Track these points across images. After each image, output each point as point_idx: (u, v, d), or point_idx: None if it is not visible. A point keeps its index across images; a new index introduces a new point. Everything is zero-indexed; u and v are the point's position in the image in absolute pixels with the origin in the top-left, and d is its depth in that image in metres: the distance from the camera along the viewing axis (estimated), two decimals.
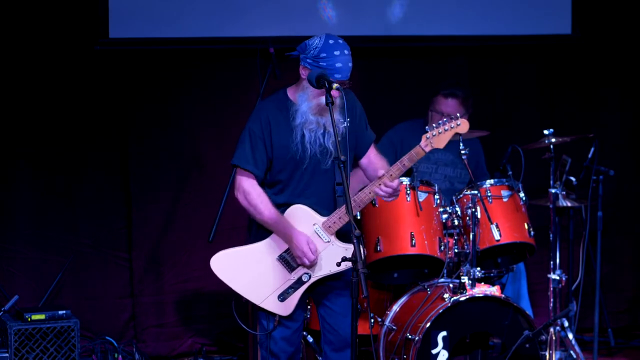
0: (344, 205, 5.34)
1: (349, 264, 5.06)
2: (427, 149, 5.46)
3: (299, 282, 5.45)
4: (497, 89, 7.92)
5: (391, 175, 5.39)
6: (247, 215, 5.61)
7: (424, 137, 5.46)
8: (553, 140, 6.86)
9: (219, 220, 6.64)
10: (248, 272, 5.46)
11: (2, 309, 6.61)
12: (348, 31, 7.48)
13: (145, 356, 7.24)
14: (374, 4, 7.54)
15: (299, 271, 5.45)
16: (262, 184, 5.51)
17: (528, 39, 7.82)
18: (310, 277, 5.44)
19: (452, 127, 5.49)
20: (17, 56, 7.14)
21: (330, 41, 5.33)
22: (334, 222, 5.42)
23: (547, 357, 6.52)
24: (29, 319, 6.48)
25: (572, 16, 7.84)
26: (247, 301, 5.49)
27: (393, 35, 7.59)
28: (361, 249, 4.87)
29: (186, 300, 7.50)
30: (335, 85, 5.14)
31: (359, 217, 6.48)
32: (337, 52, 5.31)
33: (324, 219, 5.43)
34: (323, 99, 5.22)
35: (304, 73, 5.36)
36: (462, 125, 5.52)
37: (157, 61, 7.38)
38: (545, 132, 6.90)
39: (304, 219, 5.44)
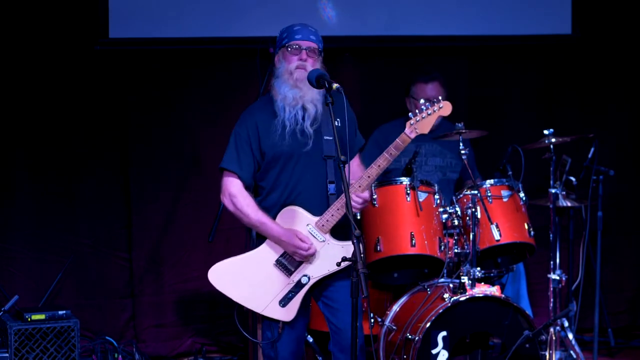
0: (336, 202, 5.33)
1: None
2: (412, 135, 5.44)
3: (298, 286, 5.40)
4: (497, 89, 7.93)
5: (369, 177, 5.37)
6: None
7: (407, 124, 5.45)
8: (553, 140, 6.86)
9: (219, 220, 6.64)
10: (247, 281, 5.42)
11: (2, 309, 6.61)
12: (348, 31, 7.51)
13: (145, 356, 7.24)
14: (374, 4, 7.54)
15: (298, 274, 5.40)
16: (250, 188, 5.48)
17: (528, 39, 7.82)
18: (309, 279, 5.41)
19: (434, 111, 5.47)
20: (17, 56, 7.14)
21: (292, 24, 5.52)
22: (327, 220, 5.38)
23: (547, 357, 6.52)
24: (29, 319, 6.48)
25: (572, 16, 7.84)
26: (249, 310, 5.45)
27: (393, 35, 7.59)
28: (361, 248, 4.82)
29: (186, 300, 7.50)
30: (335, 85, 5.11)
31: (359, 217, 6.48)
32: (295, 27, 5.48)
33: (316, 218, 5.39)
34: (293, 68, 5.35)
35: (277, 61, 5.49)
36: (445, 108, 5.49)
37: (157, 61, 7.38)
38: (545, 132, 6.90)
39: (296, 220, 5.40)
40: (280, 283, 5.40)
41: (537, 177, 7.30)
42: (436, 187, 6.59)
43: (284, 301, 5.39)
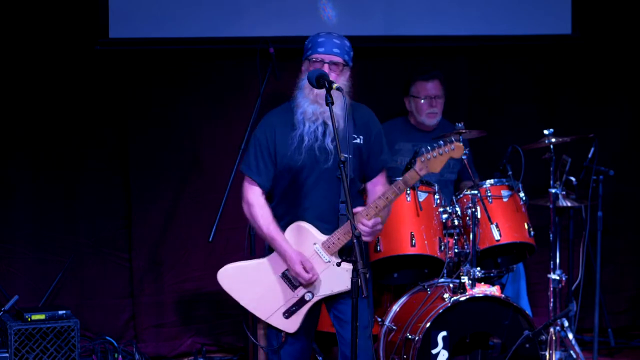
0: (345, 225, 5.23)
1: (343, 288, 5.12)
2: (422, 173, 5.34)
3: (301, 301, 5.36)
4: (497, 89, 7.92)
5: (376, 207, 5.28)
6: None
7: (418, 160, 5.33)
8: (553, 140, 6.86)
9: (219, 220, 6.64)
10: (255, 287, 5.38)
11: (2, 309, 6.61)
12: (348, 31, 7.44)
13: (145, 356, 7.24)
14: (374, 4, 7.54)
15: (301, 290, 5.35)
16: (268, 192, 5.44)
17: (528, 39, 7.82)
18: (312, 296, 5.34)
19: (446, 152, 5.31)
20: (18, 56, 7.14)
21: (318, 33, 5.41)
22: (333, 243, 5.30)
23: (547, 357, 6.52)
24: (29, 319, 6.48)
25: (572, 16, 7.84)
26: (253, 315, 5.43)
27: (393, 35, 7.59)
28: (362, 248, 4.77)
29: (186, 300, 7.49)
30: (335, 85, 5.06)
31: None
32: (321, 34, 5.37)
33: (324, 238, 5.31)
34: (316, 89, 5.21)
35: (302, 71, 5.39)
36: (457, 150, 5.34)
37: (157, 61, 7.38)
38: (545, 132, 6.90)
39: (304, 237, 5.33)
40: (284, 295, 5.36)
41: (537, 177, 7.30)
42: (436, 187, 6.59)
43: (288, 313, 5.36)
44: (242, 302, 5.40)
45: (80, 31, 7.18)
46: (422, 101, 7.05)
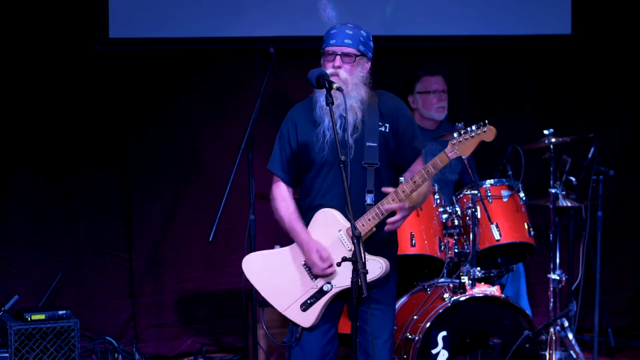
0: (370, 211, 5.11)
1: (374, 275, 5.02)
2: (452, 156, 5.09)
3: (320, 293, 5.20)
4: (497, 89, 7.93)
5: (403, 191, 5.08)
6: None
7: (450, 143, 5.09)
8: (553, 140, 6.86)
9: (219, 220, 6.64)
10: (276, 277, 5.27)
11: (2, 309, 6.61)
12: None
13: (145, 356, 7.24)
14: (374, 4, 7.54)
15: (321, 280, 5.21)
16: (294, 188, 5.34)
17: (528, 39, 7.82)
18: (332, 287, 5.18)
19: (478, 134, 5.09)
20: (18, 56, 7.14)
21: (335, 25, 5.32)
22: (360, 229, 5.08)
23: (547, 357, 6.52)
24: (29, 319, 6.48)
25: (572, 16, 7.84)
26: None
27: (393, 35, 7.59)
28: (361, 248, 4.71)
29: (186, 300, 7.49)
30: (335, 86, 4.99)
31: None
32: (333, 30, 5.25)
33: (349, 225, 5.04)
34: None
35: (322, 64, 5.28)
36: (489, 132, 5.11)
37: (157, 61, 7.38)
38: (545, 132, 6.90)
39: (328, 224, 5.20)
40: (304, 285, 5.22)
41: (537, 177, 7.30)
42: (436, 187, 6.59)
43: (305, 306, 5.22)
44: (263, 293, 5.29)
45: (80, 31, 7.18)
46: (431, 96, 7.04)
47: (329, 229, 5.21)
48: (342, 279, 5.17)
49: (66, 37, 7.18)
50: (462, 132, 5.11)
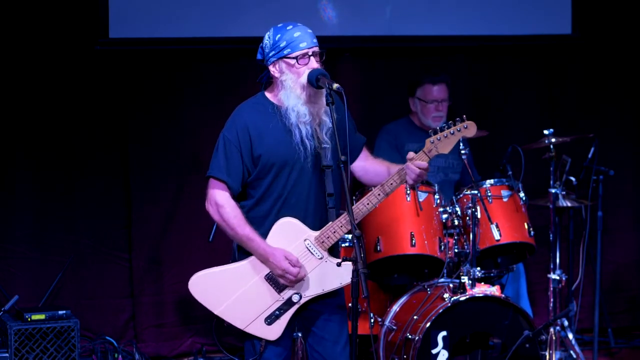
0: (341, 217, 4.93)
1: (336, 285, 4.91)
2: (431, 155, 4.96)
3: (288, 303, 4.99)
4: (496, 89, 7.93)
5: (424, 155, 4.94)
6: None
7: (427, 142, 4.96)
8: (553, 140, 6.86)
9: None
10: (231, 294, 5.03)
11: (2, 309, 6.61)
12: (348, 31, 7.51)
13: (145, 356, 7.24)
14: (374, 4, 7.54)
15: (288, 291, 4.98)
16: (236, 196, 5.09)
17: (528, 39, 7.83)
18: (301, 297, 4.98)
19: (458, 131, 4.96)
20: (18, 56, 7.14)
21: (279, 25, 5.06)
22: (328, 237, 4.95)
23: (547, 357, 6.52)
24: (29, 319, 6.48)
25: (572, 16, 7.84)
26: (229, 325, 5.12)
27: (393, 35, 7.59)
28: (361, 247, 4.63)
29: (186, 300, 7.49)
30: (335, 85, 4.85)
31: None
32: (289, 27, 5.02)
33: (316, 233, 4.95)
34: (305, 80, 4.93)
35: (275, 70, 5.00)
36: (470, 129, 4.97)
37: (157, 61, 7.38)
38: (545, 132, 6.90)
39: (292, 234, 4.97)
40: (268, 299, 4.99)
41: (537, 177, 7.30)
42: (436, 187, 6.59)
43: (270, 319, 5.01)
44: (217, 312, 5.10)
45: (80, 31, 7.19)
46: (429, 105, 7.03)
47: (293, 239, 4.99)
48: (313, 287, 5.00)
49: (66, 37, 7.18)
50: (439, 129, 4.97)
